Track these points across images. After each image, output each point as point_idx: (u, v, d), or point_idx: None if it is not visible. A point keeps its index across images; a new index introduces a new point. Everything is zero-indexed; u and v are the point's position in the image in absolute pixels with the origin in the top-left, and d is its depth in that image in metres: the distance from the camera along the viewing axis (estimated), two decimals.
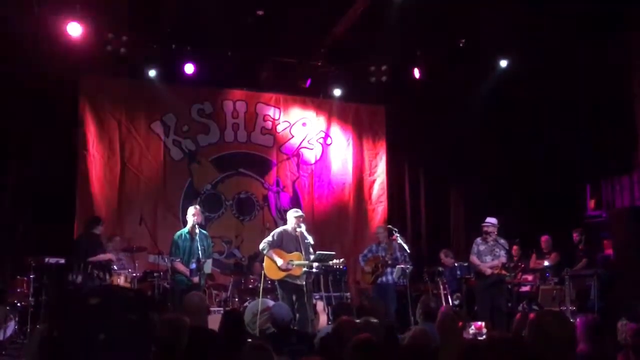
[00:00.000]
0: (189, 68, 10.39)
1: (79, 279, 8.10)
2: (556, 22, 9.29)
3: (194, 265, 7.79)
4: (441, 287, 10.02)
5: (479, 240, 9.25)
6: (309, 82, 11.03)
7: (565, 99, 10.71)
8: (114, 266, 8.70)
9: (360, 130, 12.18)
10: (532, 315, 2.83)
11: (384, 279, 9.36)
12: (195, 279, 7.78)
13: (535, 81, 10.77)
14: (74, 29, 9.14)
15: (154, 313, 1.38)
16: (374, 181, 12.14)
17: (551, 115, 11.07)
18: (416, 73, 10.88)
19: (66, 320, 1.30)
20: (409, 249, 9.58)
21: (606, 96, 10.14)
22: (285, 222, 8.61)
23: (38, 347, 1.26)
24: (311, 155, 11.84)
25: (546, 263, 10.21)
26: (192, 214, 8.03)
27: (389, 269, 9.35)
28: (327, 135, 11.99)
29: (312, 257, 8.00)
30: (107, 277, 8.35)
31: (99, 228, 8.60)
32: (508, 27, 9.57)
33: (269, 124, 11.61)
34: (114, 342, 1.25)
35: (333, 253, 8.57)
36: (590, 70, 9.93)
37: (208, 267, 8.07)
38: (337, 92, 11.54)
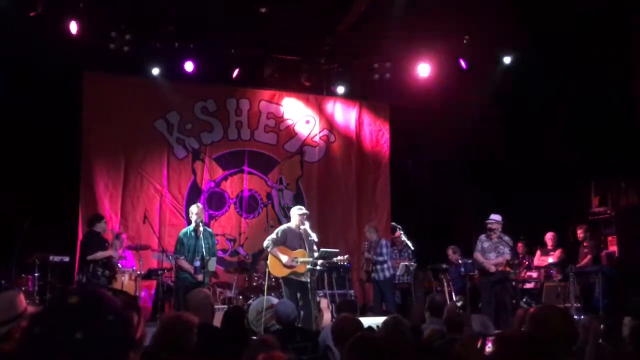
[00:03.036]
0: (189, 66, 10.37)
1: (84, 278, 8.14)
2: (560, 18, 9.26)
3: (198, 263, 7.81)
4: (445, 284, 10.03)
5: (483, 237, 9.25)
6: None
7: (569, 95, 10.67)
8: (119, 263, 8.70)
9: (364, 127, 12.15)
10: (532, 309, 2.81)
11: (374, 275, 9.62)
12: (200, 277, 7.79)
13: (540, 77, 10.73)
14: (76, 27, 9.14)
15: (134, 314, 1.38)
16: (377, 178, 12.11)
17: (555, 112, 11.03)
18: (424, 69, 10.85)
19: (45, 318, 1.32)
20: (413, 245, 9.63)
21: (611, 93, 10.10)
22: (288, 220, 8.61)
23: (19, 344, 1.27)
24: (315, 152, 11.82)
25: (550, 260, 10.19)
26: (195, 212, 8.05)
27: (378, 266, 9.57)
28: (330, 133, 11.97)
29: (316, 254, 8.00)
30: (110, 274, 8.35)
31: (100, 225, 8.58)
32: (512, 24, 9.54)
33: (273, 122, 11.60)
34: (91, 342, 1.26)
35: (337, 250, 8.59)
36: (596, 67, 9.90)
37: (212, 265, 8.09)
38: (341, 89, 11.53)
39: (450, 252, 10.72)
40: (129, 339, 1.33)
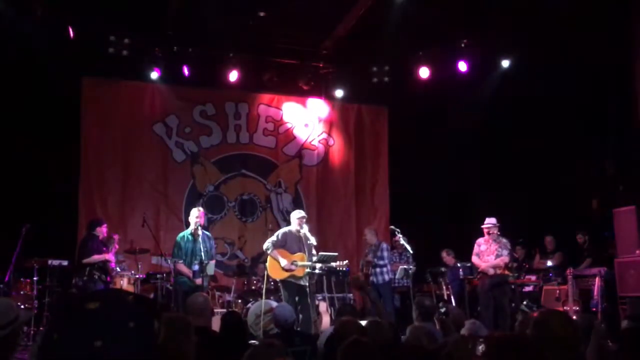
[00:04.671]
0: (188, 70, 10.36)
1: (80, 282, 8.15)
2: (556, 18, 9.28)
3: (196, 267, 7.79)
4: (444, 287, 10.04)
5: (480, 240, 9.26)
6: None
7: (568, 98, 10.68)
8: (117, 267, 8.69)
9: (363, 131, 12.17)
10: (535, 314, 2.81)
11: (373, 279, 9.61)
12: (198, 281, 7.78)
13: (537, 79, 10.75)
14: (74, 31, 9.15)
15: (155, 320, 1.32)
16: (376, 182, 12.12)
17: (553, 115, 11.04)
18: (422, 72, 10.87)
19: (64, 324, 1.25)
20: (411, 249, 9.64)
21: (609, 93, 10.11)
22: (287, 223, 8.62)
23: (37, 350, 1.21)
24: (313, 156, 11.83)
25: (549, 263, 10.19)
26: (196, 216, 8.03)
27: (378, 269, 9.58)
28: (329, 136, 11.98)
29: (314, 258, 8.01)
30: (106, 277, 8.33)
31: (100, 230, 8.60)
32: (509, 27, 9.57)
33: (271, 125, 11.62)
34: (111, 350, 1.20)
35: (336, 254, 8.59)
36: (594, 67, 9.91)
37: (211, 268, 8.07)
38: (339, 93, 11.55)
39: (444, 254, 10.74)
40: (150, 347, 1.26)
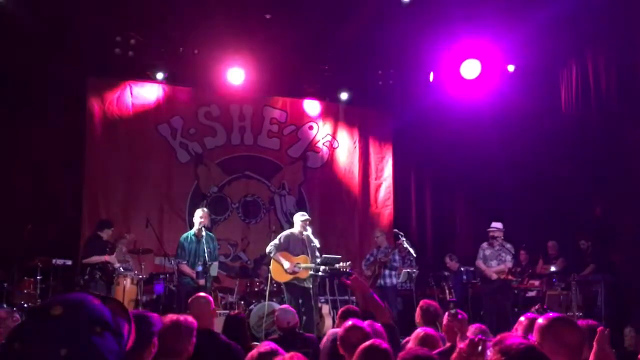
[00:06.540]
0: (193, 71, 10.37)
1: (81, 281, 8.17)
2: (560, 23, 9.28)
3: (200, 268, 7.80)
4: (447, 291, 10.01)
5: (484, 245, 9.24)
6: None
7: (568, 102, 10.65)
8: (120, 268, 8.70)
9: (367, 133, 12.17)
10: (542, 319, 2.79)
11: (381, 281, 9.51)
12: (201, 281, 7.78)
13: (542, 84, 10.73)
14: (82, 31, 9.18)
15: (125, 324, 1.25)
16: (380, 185, 12.12)
17: (556, 119, 11.02)
18: (428, 77, 10.87)
19: (26, 332, 1.16)
20: (414, 253, 9.62)
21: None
22: (290, 225, 8.62)
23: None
24: (317, 158, 11.83)
25: (553, 268, 10.16)
26: (200, 216, 8.03)
27: (386, 271, 9.52)
28: (333, 139, 11.98)
29: (318, 260, 8.01)
30: (108, 278, 8.35)
31: (106, 231, 8.62)
32: (510, 31, 9.57)
33: (276, 127, 11.63)
34: (78, 358, 1.12)
35: (339, 257, 8.59)
36: (595, 73, 9.89)
37: (214, 269, 8.08)
38: (344, 95, 11.55)
39: (448, 259, 10.72)
40: (118, 353, 1.19)
